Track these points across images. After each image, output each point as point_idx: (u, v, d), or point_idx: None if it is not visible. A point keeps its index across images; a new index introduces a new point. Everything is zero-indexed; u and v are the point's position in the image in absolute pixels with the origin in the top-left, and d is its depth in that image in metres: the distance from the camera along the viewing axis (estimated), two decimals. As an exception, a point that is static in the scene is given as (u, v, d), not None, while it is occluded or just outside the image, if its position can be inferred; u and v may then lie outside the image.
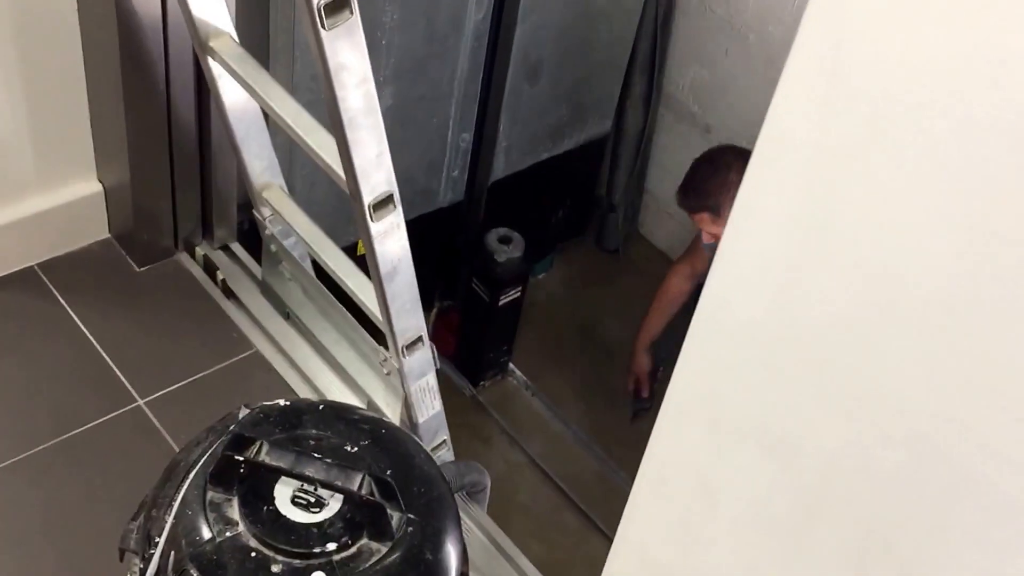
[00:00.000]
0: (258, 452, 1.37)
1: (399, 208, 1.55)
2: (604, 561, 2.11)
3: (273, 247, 2.02)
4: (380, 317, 1.76)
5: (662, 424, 0.78)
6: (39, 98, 1.97)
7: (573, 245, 3.42)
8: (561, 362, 3.31)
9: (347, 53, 1.32)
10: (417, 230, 2.63)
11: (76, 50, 1.94)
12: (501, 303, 3.04)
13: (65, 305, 2.08)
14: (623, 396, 3.12)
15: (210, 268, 2.16)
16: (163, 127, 1.98)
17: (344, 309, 1.95)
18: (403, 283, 1.67)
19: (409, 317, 1.73)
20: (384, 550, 1.36)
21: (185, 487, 1.38)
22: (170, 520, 1.36)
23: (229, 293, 2.13)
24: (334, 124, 1.39)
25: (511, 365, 3.27)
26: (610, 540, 2.61)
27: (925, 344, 0.63)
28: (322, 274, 1.96)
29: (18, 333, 2.05)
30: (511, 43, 2.59)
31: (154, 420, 1.96)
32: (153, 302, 2.13)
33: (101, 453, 1.91)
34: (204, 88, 1.94)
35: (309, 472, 1.36)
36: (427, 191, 2.79)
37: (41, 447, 1.90)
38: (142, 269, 2.16)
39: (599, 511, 2.94)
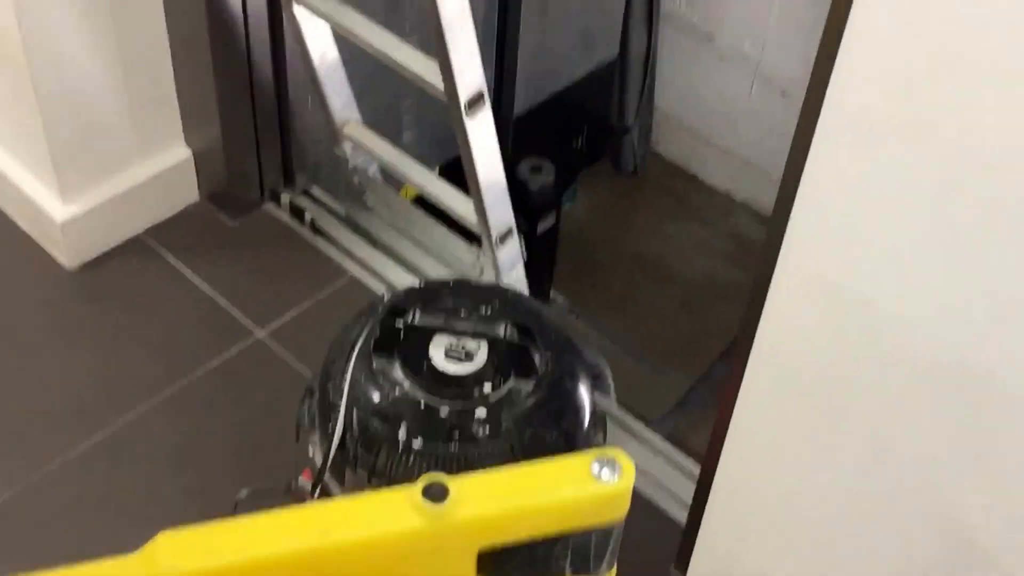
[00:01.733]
0: (412, 318, 1.58)
1: (488, 105, 1.75)
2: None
3: (357, 179, 2.22)
4: (473, 217, 1.96)
5: (816, 145, 0.98)
6: (132, 73, 2.14)
7: (593, 173, 3.56)
8: (598, 283, 3.48)
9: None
10: (450, 173, 2.83)
11: (160, 23, 2.11)
12: (539, 232, 3.22)
13: (175, 264, 2.27)
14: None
15: (296, 212, 2.35)
16: (246, 87, 2.16)
17: (434, 220, 2.16)
18: (495, 176, 1.87)
19: (502, 209, 1.93)
20: (531, 386, 1.55)
21: (353, 359, 1.57)
22: (347, 387, 1.55)
23: (317, 231, 2.33)
24: (432, 28, 1.59)
25: (553, 292, 3.45)
26: (667, 439, 2.73)
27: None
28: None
29: (140, 292, 2.24)
30: (522, -25, 2.77)
31: (273, 348, 2.16)
32: (252, 249, 2.32)
33: (236, 380, 2.11)
34: (278, 42, 2.13)
35: (460, 327, 1.57)
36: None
37: (181, 383, 2.09)
38: (235, 222, 2.36)
39: (657, 411, 3.14)
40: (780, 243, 1.10)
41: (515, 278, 2.07)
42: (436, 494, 0.94)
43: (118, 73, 2.13)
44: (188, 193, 2.36)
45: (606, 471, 0.96)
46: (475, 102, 1.71)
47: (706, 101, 3.29)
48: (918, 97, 0.88)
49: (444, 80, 1.67)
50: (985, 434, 1.07)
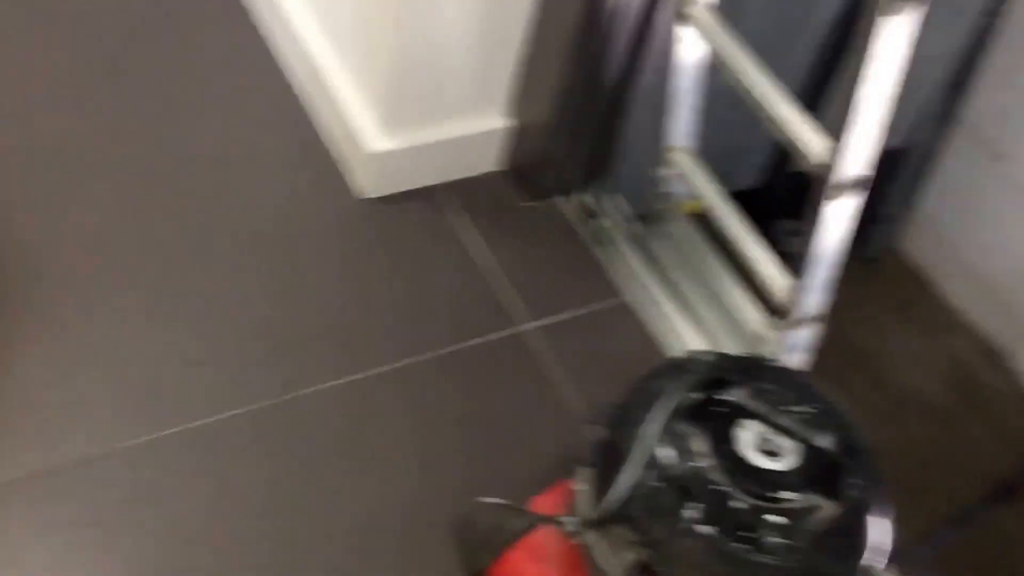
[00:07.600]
0: (729, 392, 1.35)
1: (859, 199, 1.51)
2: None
3: (666, 206, 2.00)
4: (785, 290, 1.72)
5: None
6: (485, 35, 1.97)
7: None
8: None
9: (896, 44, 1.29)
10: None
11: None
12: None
13: (455, 224, 2.09)
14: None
15: (588, 215, 2.13)
16: (593, 80, 1.94)
17: (732, 278, 1.92)
18: (829, 264, 1.63)
19: (821, 294, 1.69)
20: (831, 509, 1.31)
21: (654, 412, 1.35)
22: (650, 441, 1.33)
23: (601, 241, 2.11)
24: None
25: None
26: None
27: None
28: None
29: (416, 243, 2.07)
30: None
31: (532, 346, 1.95)
32: (531, 238, 2.11)
33: (481, 369, 1.90)
34: (639, 44, 1.89)
35: (783, 422, 1.34)
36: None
37: (423, 357, 1.89)
38: (524, 205, 2.16)
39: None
40: None
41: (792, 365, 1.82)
42: None
43: (472, 31, 1.96)
44: (492, 162, 2.18)
45: None
46: (844, 188, 1.47)
47: (976, 217, 2.97)
48: None
49: (822, 153, 1.44)
50: None
